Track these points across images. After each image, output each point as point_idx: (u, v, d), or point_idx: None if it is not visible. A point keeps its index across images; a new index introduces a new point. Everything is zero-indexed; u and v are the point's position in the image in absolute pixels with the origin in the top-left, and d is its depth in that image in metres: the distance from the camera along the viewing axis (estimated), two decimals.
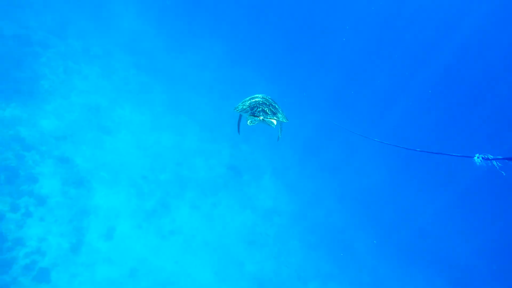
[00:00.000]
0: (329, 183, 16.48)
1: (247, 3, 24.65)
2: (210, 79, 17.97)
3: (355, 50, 26.26)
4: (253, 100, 4.10)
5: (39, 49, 12.96)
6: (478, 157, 2.75)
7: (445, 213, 19.15)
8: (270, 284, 11.31)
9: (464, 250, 17.29)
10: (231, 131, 15.48)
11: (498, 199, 22.34)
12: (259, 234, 12.64)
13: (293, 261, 12.51)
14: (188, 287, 10.20)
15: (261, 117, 3.82)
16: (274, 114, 3.92)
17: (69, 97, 12.46)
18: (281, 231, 13.17)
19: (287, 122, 4.23)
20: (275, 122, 3.91)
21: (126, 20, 17.79)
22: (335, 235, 14.23)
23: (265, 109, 3.91)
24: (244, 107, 4.05)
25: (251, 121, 3.88)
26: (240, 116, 4.47)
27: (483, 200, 22.45)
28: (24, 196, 9.38)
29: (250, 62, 21.39)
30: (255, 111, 3.87)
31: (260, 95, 4.27)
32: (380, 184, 18.44)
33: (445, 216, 18.89)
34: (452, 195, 20.95)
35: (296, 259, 12.62)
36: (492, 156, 2.77)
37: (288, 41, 25.79)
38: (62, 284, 8.68)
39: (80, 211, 10.00)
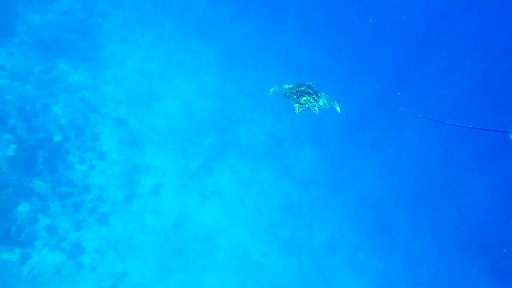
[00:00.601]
0: (368, 158, 15.83)
1: None
2: (256, 50, 17.88)
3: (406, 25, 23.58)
4: (299, 89, 4.65)
5: (100, 20, 14.15)
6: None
7: (490, 196, 17.17)
8: (300, 249, 11.73)
9: (508, 238, 15.55)
10: (274, 102, 15.51)
11: None
12: (294, 202, 12.94)
13: (325, 230, 12.67)
14: (224, 243, 11.12)
15: (306, 105, 4.39)
16: (317, 102, 4.50)
17: (125, 64, 13.59)
18: (316, 200, 13.29)
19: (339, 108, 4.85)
20: (317, 109, 4.47)
21: None
22: (369, 210, 13.90)
23: (310, 97, 4.47)
24: (292, 96, 4.62)
25: (298, 110, 4.42)
26: (288, 95, 4.90)
27: None
28: (89, 151, 10.86)
29: (295, 33, 20.58)
30: (301, 99, 4.45)
31: (304, 85, 4.77)
32: (422, 163, 17.11)
33: (490, 200, 16.96)
34: (500, 178, 18.52)
35: (328, 228, 12.76)
36: None
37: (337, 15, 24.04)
38: (118, 228, 10.13)
39: (133, 167, 11.27)
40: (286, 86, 4.96)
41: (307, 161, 14.30)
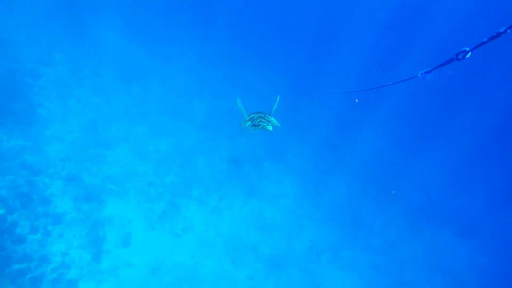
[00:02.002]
0: (328, 159, 16.92)
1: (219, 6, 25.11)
2: (198, 81, 18.43)
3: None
4: (251, 115, 5.45)
5: (30, 79, 13.51)
6: (421, 74, 3.19)
7: (449, 168, 19.51)
8: (285, 262, 11.85)
9: (470, 201, 17.68)
10: (225, 127, 15.96)
11: (500, 150, 22.68)
12: (267, 219, 13.16)
13: (304, 237, 13.03)
14: (208, 277, 10.79)
15: (261, 126, 5.20)
16: (269, 122, 5.32)
17: (66, 120, 13.01)
18: (288, 212, 13.68)
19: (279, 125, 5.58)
20: (271, 128, 5.25)
21: (109, 40, 18.26)
22: (341, 207, 14.71)
23: (262, 120, 5.30)
24: (247, 123, 5.38)
25: (253, 129, 5.33)
26: (244, 123, 5.66)
27: (486, 152, 22.77)
28: (41, 217, 9.98)
29: (233, 60, 21.79)
30: (256, 122, 5.25)
31: (255, 112, 5.61)
32: (379, 152, 18.84)
33: (449, 171, 19.25)
34: (454, 150, 21.27)
35: (307, 235, 13.15)
36: (430, 68, 3.19)
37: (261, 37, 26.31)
38: None
39: (95, 223, 10.59)
40: (246, 122, 5.60)
41: (270, 176, 14.77)
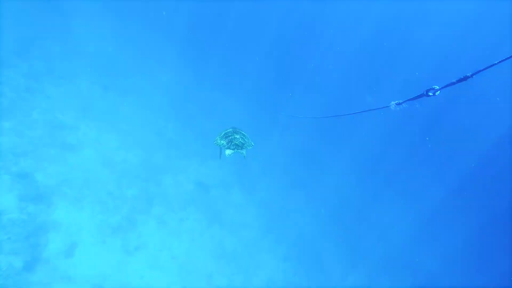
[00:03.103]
0: (296, 196, 17.05)
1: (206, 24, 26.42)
2: (176, 99, 18.45)
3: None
4: (227, 134, 5.23)
5: None
6: (392, 104, 3.49)
7: (411, 221, 20.26)
8: None
9: (428, 256, 18.24)
10: (198, 149, 15.81)
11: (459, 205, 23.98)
12: (227, 248, 12.65)
13: (262, 273, 12.56)
14: None
15: (235, 150, 4.96)
16: (243, 144, 5.07)
17: (30, 115, 12.23)
18: (250, 244, 13.28)
19: (253, 145, 5.41)
20: (245, 153, 5.05)
21: (92, 43, 18.11)
22: (303, 247, 14.55)
23: (237, 142, 5.04)
24: (222, 142, 5.15)
25: (228, 154, 4.97)
26: (220, 148, 5.48)
27: (445, 209, 23.91)
28: None
29: (214, 83, 22.34)
30: (230, 145, 4.99)
31: (230, 129, 5.42)
32: (347, 195, 19.34)
33: (410, 224, 19.96)
34: (417, 203, 22.27)
35: (265, 271, 12.70)
36: (402, 100, 3.52)
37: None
38: None
39: (38, 227, 9.54)
40: (218, 139, 5.36)
41: (236, 205, 14.49)
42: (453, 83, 3.07)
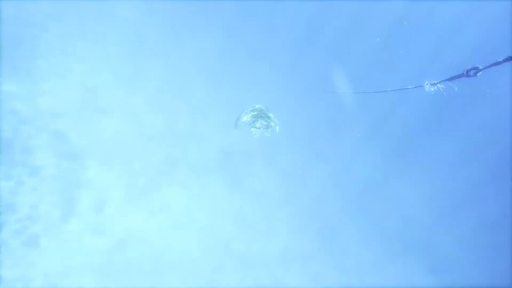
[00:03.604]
0: (318, 170, 16.74)
1: None
2: (205, 67, 18.27)
3: None
4: (252, 113, 5.41)
5: (37, 31, 13.35)
6: (427, 84, 3.12)
7: (429, 202, 19.29)
8: (253, 263, 11.61)
9: (444, 240, 17.45)
10: (224, 117, 15.80)
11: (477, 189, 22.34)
12: (246, 216, 12.94)
13: (278, 242, 12.80)
14: (173, 260, 10.53)
15: (261, 129, 5.27)
16: (268, 124, 5.33)
17: (66, 77, 12.83)
18: (269, 214, 13.47)
19: (279, 124, 5.62)
20: (269, 133, 5.38)
21: (122, 8, 18.14)
22: (321, 221, 14.49)
23: (262, 121, 5.31)
24: (247, 119, 5.46)
25: (255, 132, 5.37)
26: (237, 118, 5.81)
27: (464, 190, 22.39)
28: (18, 166, 9.74)
29: (245, 52, 21.66)
30: (255, 124, 5.28)
31: (257, 107, 5.64)
32: (369, 174, 18.67)
33: (429, 205, 19.03)
34: (436, 183, 21.01)
35: (282, 241, 12.92)
36: (437, 81, 3.12)
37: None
38: (51, 250, 9.01)
39: (72, 183, 10.35)
40: (244, 116, 5.65)
41: (258, 174, 14.59)
42: (499, 63, 2.63)
